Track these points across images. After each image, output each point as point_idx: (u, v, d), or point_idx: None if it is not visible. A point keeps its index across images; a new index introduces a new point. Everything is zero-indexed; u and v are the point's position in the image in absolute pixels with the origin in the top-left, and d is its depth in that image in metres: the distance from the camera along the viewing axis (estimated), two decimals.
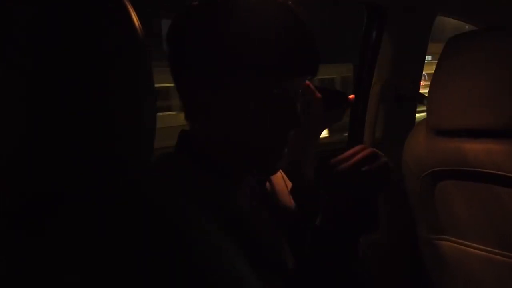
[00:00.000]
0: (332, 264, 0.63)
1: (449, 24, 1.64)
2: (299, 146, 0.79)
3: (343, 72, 7.37)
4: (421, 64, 1.48)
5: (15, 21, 0.33)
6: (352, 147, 0.65)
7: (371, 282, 0.68)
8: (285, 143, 0.61)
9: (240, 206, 0.63)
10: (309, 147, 0.82)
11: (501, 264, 1.00)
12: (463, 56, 1.02)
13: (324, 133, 0.92)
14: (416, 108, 1.51)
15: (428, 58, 1.53)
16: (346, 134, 1.53)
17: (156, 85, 0.41)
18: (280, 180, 0.76)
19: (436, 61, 1.09)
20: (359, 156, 0.62)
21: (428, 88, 1.10)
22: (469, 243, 1.07)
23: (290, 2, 0.60)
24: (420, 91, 1.49)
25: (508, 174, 0.93)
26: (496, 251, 1.00)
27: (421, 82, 1.53)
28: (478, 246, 1.05)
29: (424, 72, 1.52)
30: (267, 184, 0.73)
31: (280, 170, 0.77)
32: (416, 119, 1.52)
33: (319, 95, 0.80)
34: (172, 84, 0.61)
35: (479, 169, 0.99)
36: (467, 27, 1.61)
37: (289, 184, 0.78)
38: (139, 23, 0.38)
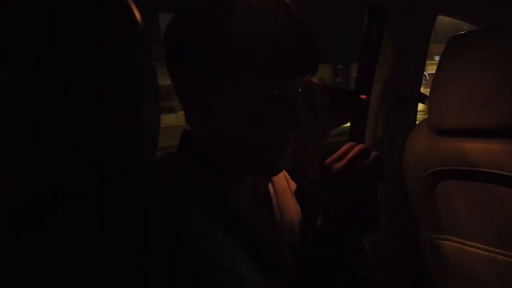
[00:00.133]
0: (332, 264, 0.63)
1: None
2: (299, 146, 0.79)
3: (320, 73, 7.32)
4: (422, 64, 1.48)
5: (15, 21, 0.33)
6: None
7: (371, 282, 0.68)
8: (285, 143, 0.61)
9: (240, 206, 0.63)
10: (314, 148, 0.82)
11: (502, 263, 1.00)
12: (464, 56, 1.02)
13: None
14: (417, 108, 1.51)
15: (436, 58, 1.53)
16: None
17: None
18: (283, 181, 0.76)
19: None
20: (350, 154, 0.63)
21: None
22: (470, 243, 1.07)
23: (290, 2, 0.60)
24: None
25: (509, 174, 0.93)
26: (497, 250, 1.00)
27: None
28: (479, 245, 1.05)
29: (425, 72, 1.52)
30: (270, 185, 0.73)
31: (284, 171, 0.77)
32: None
33: (324, 95, 0.79)
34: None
35: (480, 169, 0.99)
36: (466, 26, 1.62)
37: (293, 185, 0.77)
38: (141, 21, 0.38)
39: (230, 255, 0.44)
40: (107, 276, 0.34)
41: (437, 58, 1.13)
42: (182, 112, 0.63)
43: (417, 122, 1.38)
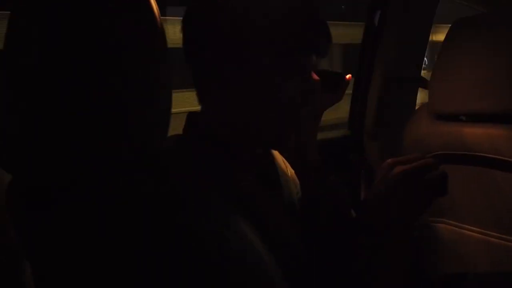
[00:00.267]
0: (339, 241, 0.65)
1: None
2: (304, 127, 0.80)
3: None
4: (424, 47, 1.48)
5: (35, 20, 0.34)
6: (353, 129, 0.66)
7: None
8: (298, 120, 0.63)
9: (250, 187, 0.64)
10: (312, 130, 0.83)
11: (496, 245, 1.02)
12: (465, 41, 1.02)
13: None
14: (417, 91, 1.52)
15: None
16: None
17: None
18: (282, 164, 0.77)
19: None
20: (419, 163, 0.64)
21: None
22: (466, 226, 1.09)
23: None
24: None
25: (507, 159, 0.95)
26: (492, 233, 1.02)
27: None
28: (475, 228, 1.07)
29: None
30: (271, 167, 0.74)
31: (282, 157, 0.78)
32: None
33: (317, 77, 0.80)
34: None
35: (479, 153, 1.00)
36: None
37: (291, 169, 0.79)
38: (160, 19, 0.39)
39: (249, 240, 0.45)
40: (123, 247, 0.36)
41: None
42: None
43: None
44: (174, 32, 0.64)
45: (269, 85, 0.59)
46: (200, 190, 0.45)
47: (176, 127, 0.59)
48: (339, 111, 1.44)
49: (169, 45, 0.42)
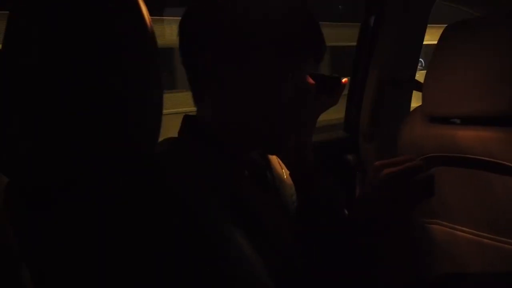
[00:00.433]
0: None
1: None
2: (304, 127, 0.81)
3: None
4: (418, 50, 1.49)
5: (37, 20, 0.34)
6: (348, 131, 0.67)
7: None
8: (298, 122, 0.63)
9: (247, 189, 0.64)
10: (308, 133, 0.84)
11: (488, 246, 1.03)
12: (459, 44, 1.03)
13: None
14: (412, 94, 1.53)
15: None
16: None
17: None
18: (278, 166, 0.78)
19: None
20: (406, 165, 0.64)
21: None
22: (459, 227, 1.10)
23: None
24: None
25: (499, 161, 0.96)
26: (485, 234, 1.03)
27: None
28: (467, 230, 1.08)
29: (420, 59, 1.53)
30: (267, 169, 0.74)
31: (278, 159, 0.79)
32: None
33: (311, 81, 0.81)
34: None
35: (471, 156, 1.01)
36: None
37: (286, 171, 0.79)
38: (150, 21, 0.39)
39: (240, 243, 0.46)
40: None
41: None
42: None
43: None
44: (171, 33, 0.65)
45: (269, 85, 0.59)
46: (199, 191, 0.45)
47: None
48: (339, 112, 1.46)
49: (169, 45, 0.43)
